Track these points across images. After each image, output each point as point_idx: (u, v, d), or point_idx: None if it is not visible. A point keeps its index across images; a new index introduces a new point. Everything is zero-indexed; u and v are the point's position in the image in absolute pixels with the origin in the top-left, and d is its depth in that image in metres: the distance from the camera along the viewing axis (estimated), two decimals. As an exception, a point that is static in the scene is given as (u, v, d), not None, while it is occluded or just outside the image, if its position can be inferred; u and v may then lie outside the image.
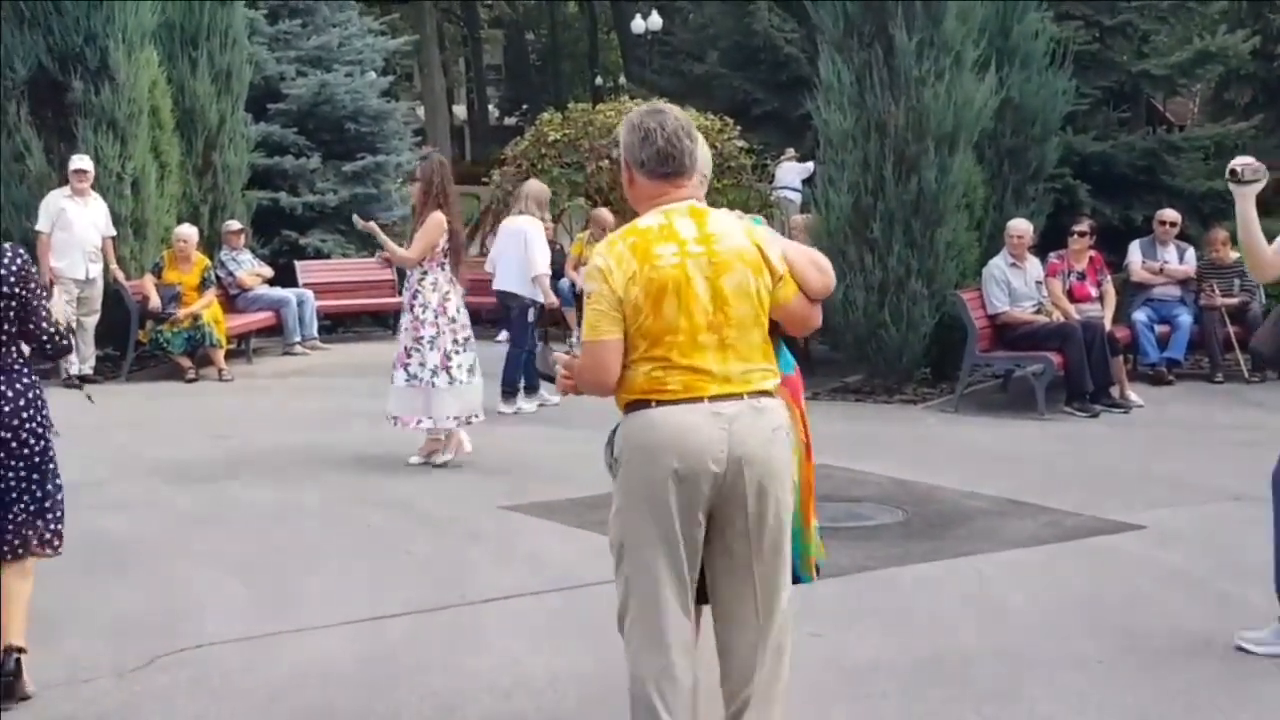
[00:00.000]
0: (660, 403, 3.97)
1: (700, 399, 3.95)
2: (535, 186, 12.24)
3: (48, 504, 5.25)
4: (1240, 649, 5.66)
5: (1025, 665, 5.51)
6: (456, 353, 9.33)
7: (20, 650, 5.19)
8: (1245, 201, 5.71)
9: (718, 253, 3.98)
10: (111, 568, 6.99)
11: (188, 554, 7.28)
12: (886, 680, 5.35)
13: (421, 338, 9.27)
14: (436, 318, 9.29)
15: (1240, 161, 5.75)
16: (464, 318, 9.48)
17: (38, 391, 5.24)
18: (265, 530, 7.81)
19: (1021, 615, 6.19)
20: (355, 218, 9.87)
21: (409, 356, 9.31)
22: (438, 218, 9.21)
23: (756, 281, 4.00)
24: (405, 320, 9.45)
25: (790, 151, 23.39)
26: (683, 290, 3.96)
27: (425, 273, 9.31)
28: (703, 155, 4.30)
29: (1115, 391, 11.85)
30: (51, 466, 5.29)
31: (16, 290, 5.15)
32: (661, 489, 3.94)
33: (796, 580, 4.37)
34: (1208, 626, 5.99)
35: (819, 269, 4.17)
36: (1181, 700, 5.16)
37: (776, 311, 4.08)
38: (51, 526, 5.29)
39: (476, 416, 9.52)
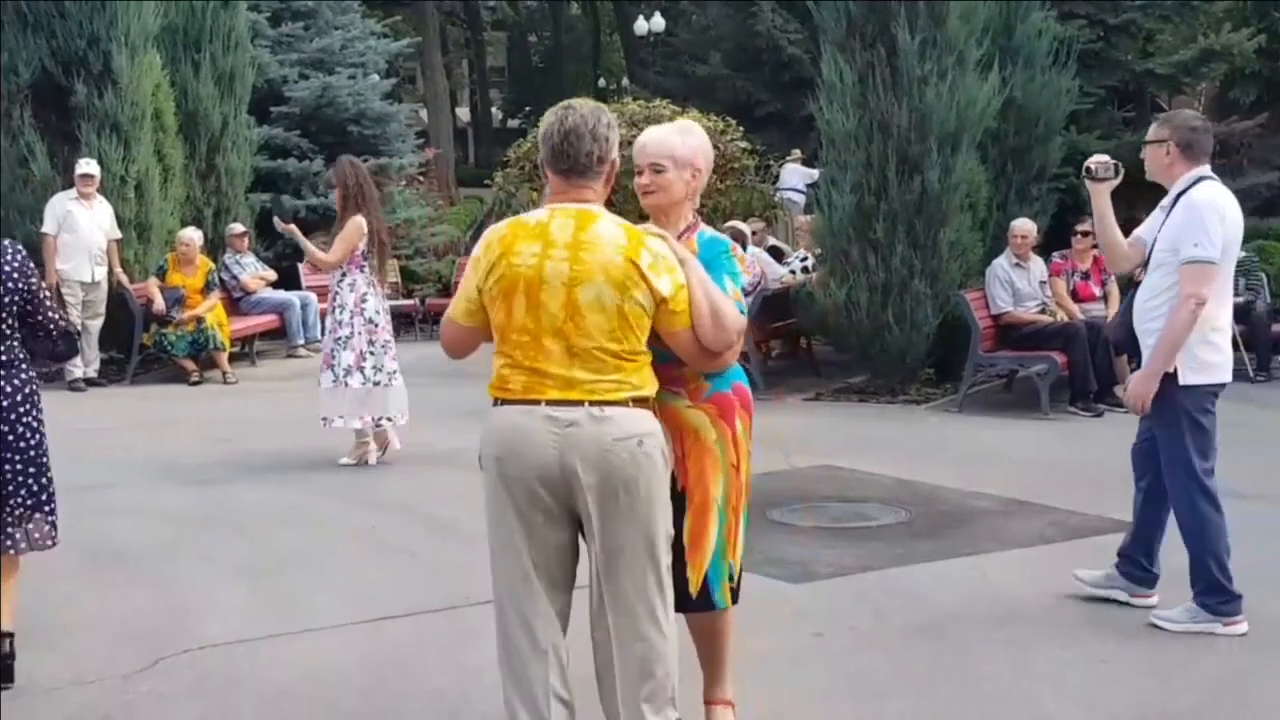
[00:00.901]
0: (502, 401, 4.04)
1: (537, 401, 3.95)
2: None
3: (44, 497, 5.28)
4: (1154, 626, 5.92)
5: (1030, 665, 5.50)
6: (372, 354, 9.44)
7: (10, 635, 5.27)
8: (1100, 198, 6.12)
9: (582, 260, 3.92)
10: (115, 570, 7.00)
11: (191, 556, 7.28)
12: (890, 680, 5.34)
13: (339, 338, 9.39)
14: (352, 318, 9.39)
15: (1095, 160, 6.12)
16: (383, 319, 9.57)
17: (35, 387, 5.27)
18: (268, 532, 7.82)
19: (1026, 615, 6.18)
20: (276, 220, 9.94)
21: (333, 358, 9.42)
22: (357, 221, 9.31)
23: (618, 297, 3.90)
24: (328, 322, 9.56)
25: (795, 153, 23.36)
26: (533, 291, 3.95)
27: (344, 274, 9.42)
28: (688, 147, 4.35)
29: (1119, 391, 11.81)
30: (45, 461, 5.31)
31: (19, 285, 5.18)
32: (498, 488, 4.06)
33: (710, 605, 4.34)
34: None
35: (715, 321, 4.03)
36: (1187, 699, 5.15)
37: (666, 338, 4.04)
38: (50, 518, 5.31)
39: (402, 416, 9.64)
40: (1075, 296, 12.31)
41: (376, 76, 20.39)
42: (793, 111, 22.11)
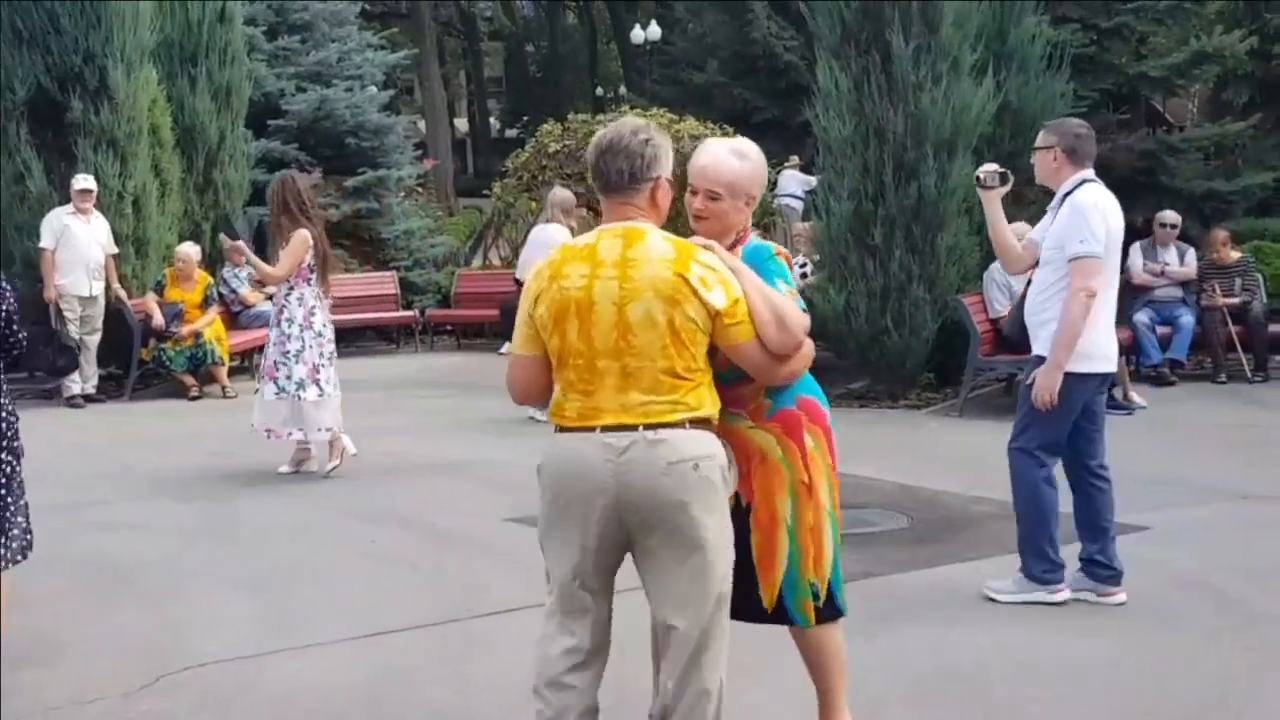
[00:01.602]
0: (562, 428, 4.00)
1: (593, 428, 3.91)
2: (561, 194, 12.23)
3: (19, 518, 5.18)
4: (988, 598, 6.40)
5: (1031, 670, 5.50)
6: (323, 366, 9.53)
7: None
8: (992, 205, 6.49)
9: (631, 278, 3.86)
10: (115, 586, 7.00)
11: (192, 572, 7.28)
12: (892, 687, 5.35)
13: (288, 351, 9.44)
14: (302, 331, 9.47)
15: (985, 169, 6.49)
16: (329, 333, 9.70)
17: (11, 408, 5.20)
18: (269, 546, 7.81)
19: (1027, 619, 6.18)
20: (222, 236, 10.02)
21: (277, 370, 9.47)
22: (303, 234, 9.38)
23: (669, 312, 3.83)
24: (273, 334, 9.61)
25: (793, 159, 23.39)
26: (584, 314, 3.90)
27: (292, 288, 9.49)
28: (745, 175, 4.24)
29: (1118, 393, 11.83)
30: (20, 481, 5.21)
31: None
32: (555, 514, 4.01)
33: (787, 619, 4.30)
34: (1214, 627, 5.99)
35: (779, 325, 3.94)
36: (1191, 701, 5.15)
37: (730, 353, 3.96)
38: (25, 537, 5.24)
39: (338, 428, 9.71)
40: (1073, 299, 12.31)
41: (374, 88, 20.40)
42: (789, 118, 22.13)
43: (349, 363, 16.58)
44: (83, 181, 13.30)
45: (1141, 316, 13.04)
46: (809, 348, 4.12)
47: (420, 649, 5.95)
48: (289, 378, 9.43)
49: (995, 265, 12.12)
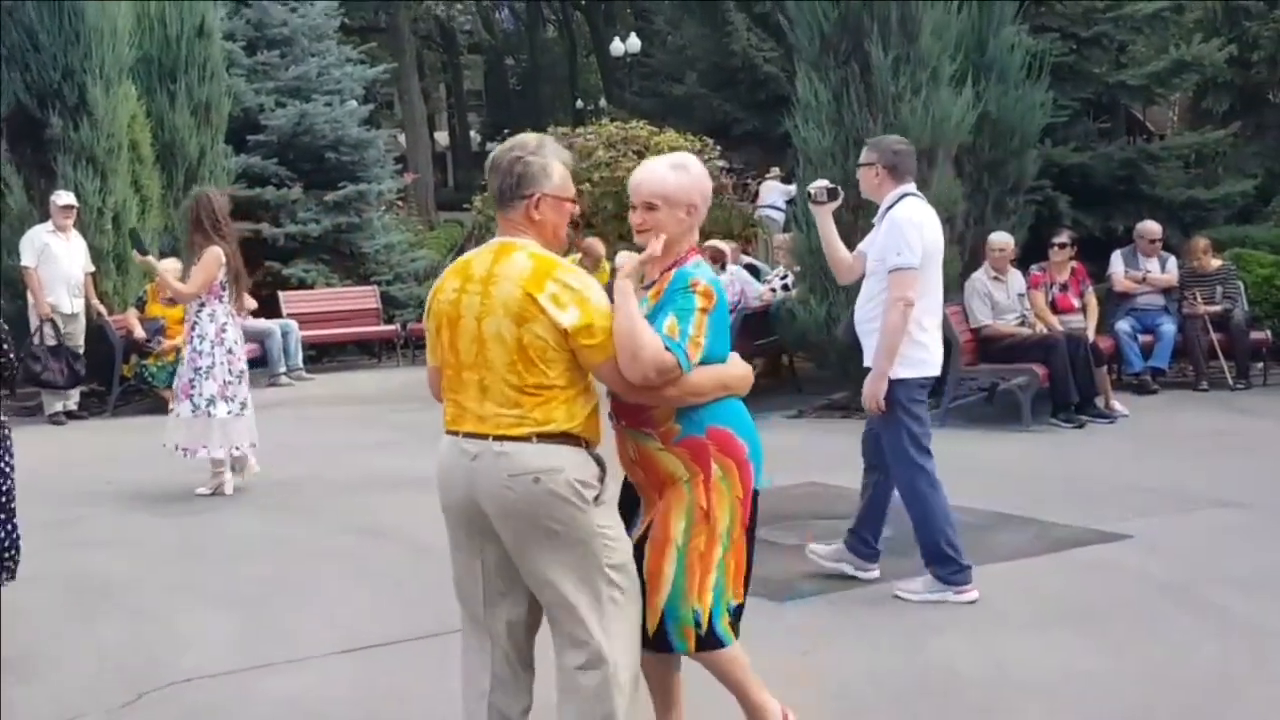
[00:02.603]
0: (445, 431, 4.13)
1: (456, 433, 4.05)
2: None
3: (16, 535, 5.22)
4: (898, 598, 6.60)
5: (1014, 678, 5.50)
6: (233, 383, 9.52)
7: None
8: (823, 219, 6.87)
9: (490, 294, 3.96)
10: (97, 602, 6.96)
11: (174, 587, 7.25)
12: (875, 697, 5.34)
13: (200, 368, 9.44)
14: (213, 348, 9.47)
15: (814, 186, 6.82)
16: (240, 350, 9.69)
17: (6, 432, 5.21)
18: (251, 561, 7.79)
19: (1010, 628, 6.19)
20: (134, 252, 10.04)
21: (192, 388, 9.46)
22: (215, 251, 9.39)
23: (517, 330, 3.90)
24: (186, 352, 9.60)
25: (775, 171, 23.42)
26: (453, 326, 4.03)
27: (204, 305, 9.51)
28: (681, 185, 4.23)
29: (1100, 402, 11.88)
30: (12, 502, 5.24)
31: None
32: (444, 515, 4.18)
33: (669, 647, 4.26)
34: (1197, 635, 5.99)
35: (632, 356, 3.92)
36: (1170, 709, 5.15)
37: (590, 371, 4.01)
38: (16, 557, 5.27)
39: (253, 444, 9.73)
40: (1054, 308, 12.36)
41: (354, 103, 20.40)
42: (770, 129, 22.14)
43: (331, 377, 16.60)
44: (65, 198, 13.28)
45: (1123, 325, 13.07)
46: (700, 382, 4.09)
47: (403, 663, 5.93)
48: (200, 394, 9.43)
49: (977, 275, 12.16)
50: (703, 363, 4.09)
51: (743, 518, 4.27)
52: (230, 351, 9.53)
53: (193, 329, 9.53)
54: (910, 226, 6.46)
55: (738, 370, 4.27)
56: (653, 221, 4.22)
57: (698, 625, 4.22)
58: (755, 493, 4.31)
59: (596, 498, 3.99)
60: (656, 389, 4.02)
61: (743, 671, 4.41)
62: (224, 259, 9.41)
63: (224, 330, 9.51)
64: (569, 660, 4.04)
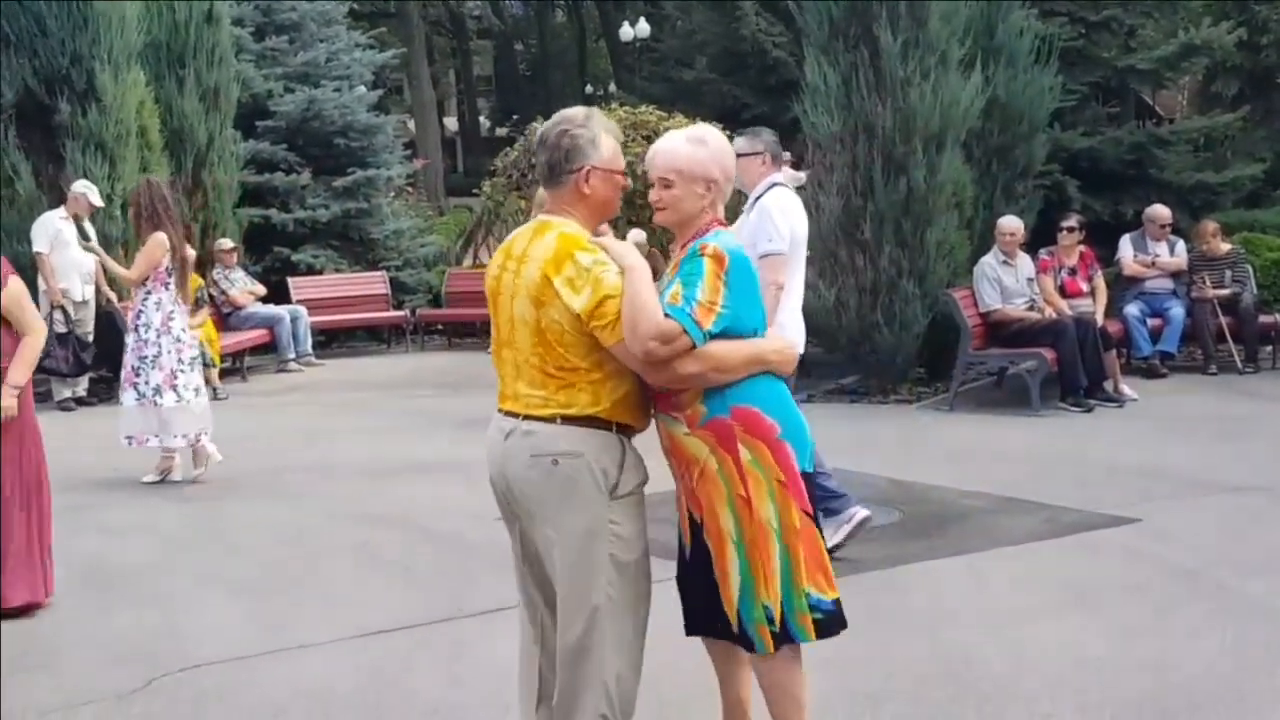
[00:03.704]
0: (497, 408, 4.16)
1: (500, 410, 4.09)
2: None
3: None
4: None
5: (1024, 663, 5.50)
6: (182, 371, 9.50)
7: None
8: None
9: (520, 275, 3.95)
10: (107, 589, 6.98)
11: (184, 574, 7.26)
12: (885, 681, 5.34)
13: (145, 357, 9.43)
14: (159, 337, 9.45)
15: (635, 235, 7.20)
16: (189, 337, 9.66)
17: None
18: (261, 548, 7.80)
19: (1019, 612, 6.18)
20: (78, 239, 10.06)
21: (136, 376, 9.46)
22: (159, 238, 9.38)
23: (535, 313, 3.89)
24: (130, 340, 9.58)
25: (785, 155, 23.38)
26: (495, 303, 4.09)
27: (149, 293, 9.49)
28: (697, 159, 4.05)
29: (1109, 386, 11.87)
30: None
31: None
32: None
33: (750, 646, 4.04)
34: (1208, 619, 5.99)
35: (630, 329, 3.79)
36: (1182, 694, 5.15)
37: (615, 353, 3.89)
38: None
39: (206, 432, 9.67)
40: (1063, 292, 12.36)
41: (363, 88, 20.38)
42: (779, 114, 22.05)
43: (340, 363, 16.61)
44: (94, 195, 13.13)
45: (1132, 309, 13.05)
46: (725, 355, 3.90)
47: (413, 649, 5.94)
48: (147, 383, 9.41)
49: (986, 259, 12.15)
50: (732, 335, 3.91)
51: (797, 502, 3.99)
52: (178, 340, 9.50)
53: (138, 317, 9.51)
54: (779, 213, 6.83)
55: (774, 344, 4.09)
56: (668, 200, 4.08)
57: (770, 621, 3.99)
58: (807, 475, 4.04)
59: (614, 488, 3.93)
60: (669, 364, 3.84)
61: (796, 689, 4.14)
62: (169, 246, 9.41)
63: (171, 319, 9.50)
64: (560, 644, 4.00)
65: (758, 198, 6.99)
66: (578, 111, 4.11)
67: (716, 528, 4.00)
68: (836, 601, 4.09)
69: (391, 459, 10.12)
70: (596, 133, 4.02)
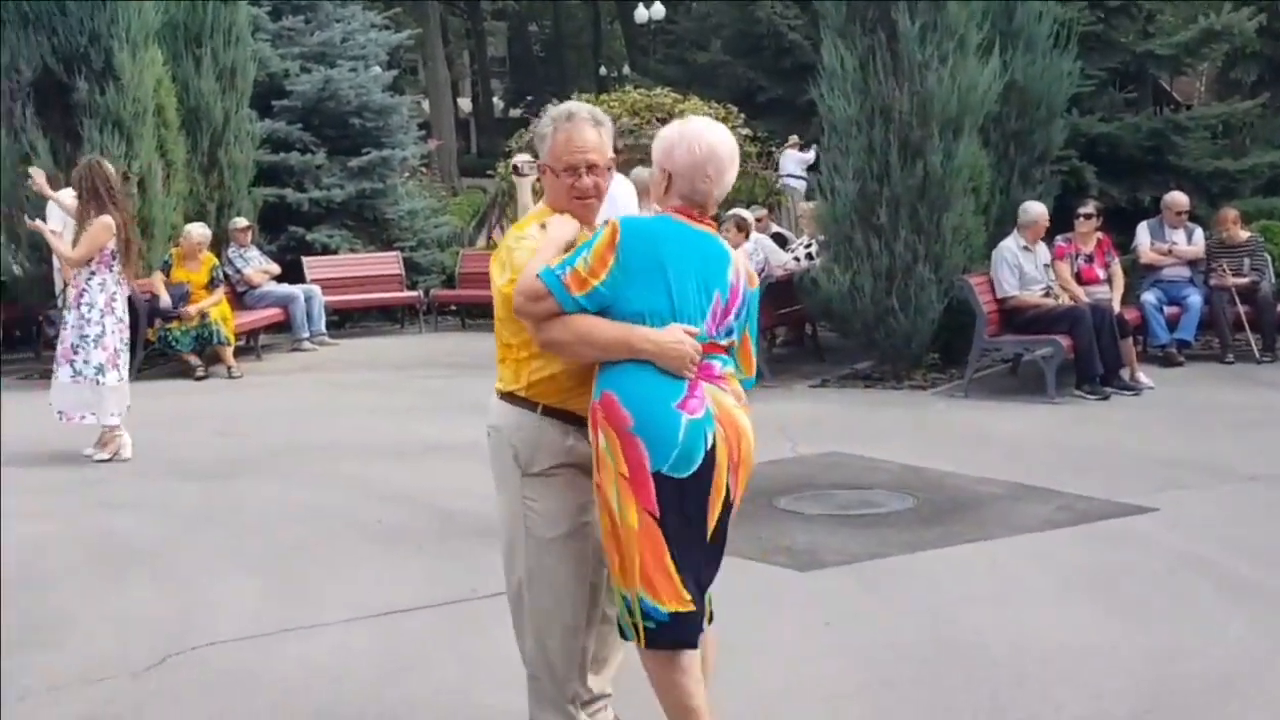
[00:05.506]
0: None
1: None
2: None
3: None
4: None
5: (1038, 651, 5.49)
6: (123, 351, 9.63)
7: None
8: (523, 191, 6.61)
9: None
10: (122, 566, 6.99)
11: (198, 552, 7.27)
12: (899, 667, 5.34)
13: (87, 335, 9.49)
14: (103, 316, 9.53)
15: (520, 159, 6.79)
16: (128, 318, 9.78)
17: None
18: (276, 526, 7.81)
19: (1034, 600, 6.18)
20: (25, 217, 10.10)
21: (75, 353, 9.51)
22: (105, 220, 9.43)
23: (497, 282, 4.03)
24: (70, 317, 9.62)
25: (793, 139, 23.34)
26: None
27: (93, 273, 9.55)
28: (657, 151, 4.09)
29: (1125, 374, 11.82)
30: None
31: None
32: None
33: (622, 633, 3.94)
34: (1221, 609, 5.97)
35: (516, 287, 3.85)
36: (1196, 685, 5.14)
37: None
38: None
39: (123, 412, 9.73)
40: (1079, 279, 12.31)
41: (378, 69, 20.35)
42: (795, 97, 22.09)
43: (353, 343, 16.62)
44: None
45: (1149, 296, 13.00)
46: (589, 330, 3.76)
47: (428, 629, 5.95)
48: (86, 361, 9.47)
49: (1006, 244, 12.10)
50: (615, 316, 3.76)
51: (639, 500, 3.73)
52: (120, 320, 9.62)
53: (81, 296, 9.55)
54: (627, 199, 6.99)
55: (651, 334, 3.74)
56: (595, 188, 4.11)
57: (630, 613, 3.82)
58: (663, 477, 3.72)
59: (527, 465, 4.10)
60: (542, 327, 3.80)
61: (673, 698, 3.88)
62: (114, 227, 9.45)
63: (114, 299, 9.58)
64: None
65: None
66: (570, 103, 4.29)
67: (604, 502, 3.84)
68: (674, 615, 3.75)
69: (405, 439, 10.13)
70: (545, 131, 4.14)
